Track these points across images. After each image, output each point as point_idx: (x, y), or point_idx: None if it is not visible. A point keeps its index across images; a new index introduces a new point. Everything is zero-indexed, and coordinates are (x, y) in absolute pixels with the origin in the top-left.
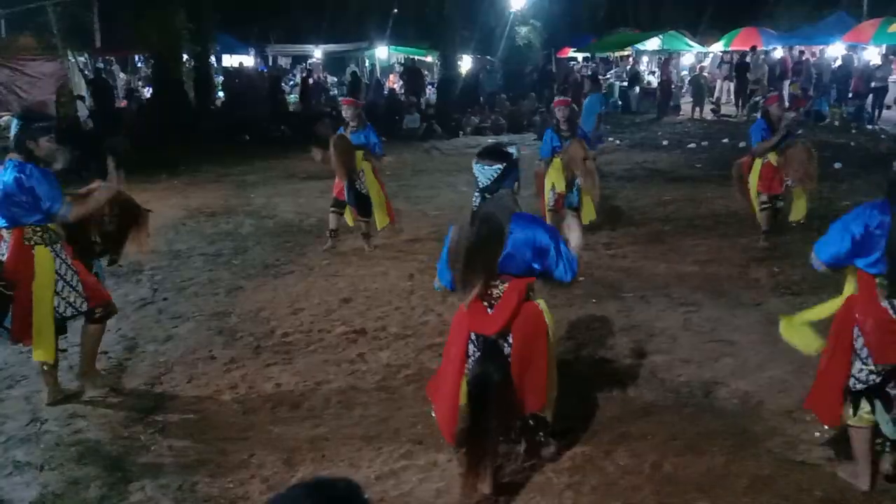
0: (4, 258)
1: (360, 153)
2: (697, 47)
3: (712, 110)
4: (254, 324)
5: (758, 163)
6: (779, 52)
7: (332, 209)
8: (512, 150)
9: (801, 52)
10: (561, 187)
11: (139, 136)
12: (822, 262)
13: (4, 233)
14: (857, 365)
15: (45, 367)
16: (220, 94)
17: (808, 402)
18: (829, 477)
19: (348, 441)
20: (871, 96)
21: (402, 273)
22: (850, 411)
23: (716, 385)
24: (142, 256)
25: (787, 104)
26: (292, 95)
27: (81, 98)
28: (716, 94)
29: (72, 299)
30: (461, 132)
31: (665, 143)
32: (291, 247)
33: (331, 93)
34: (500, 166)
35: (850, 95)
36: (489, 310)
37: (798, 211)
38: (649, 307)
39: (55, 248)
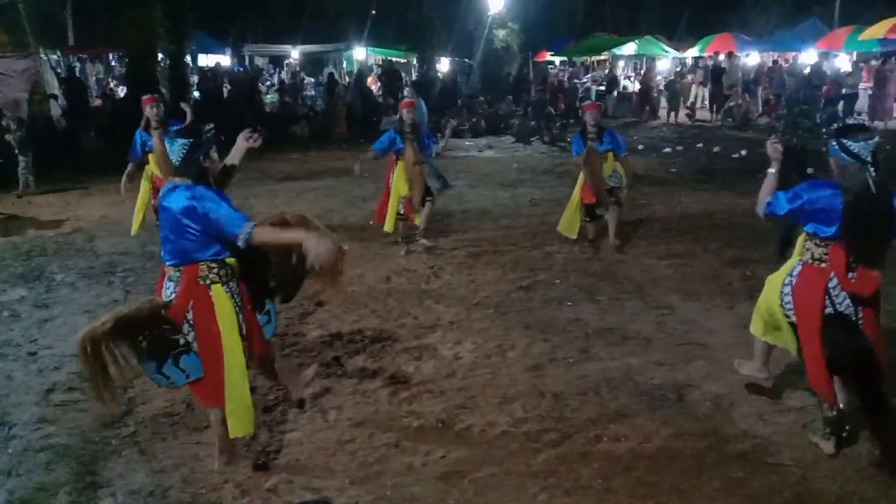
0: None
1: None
2: (673, 52)
3: (687, 115)
4: None
5: (581, 175)
6: (754, 58)
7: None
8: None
9: (776, 60)
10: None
11: (113, 135)
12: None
13: (172, 271)
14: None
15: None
16: (196, 94)
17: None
18: (799, 478)
19: (323, 445)
20: (842, 102)
21: (378, 276)
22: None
23: (689, 387)
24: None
25: (760, 109)
26: (269, 95)
27: (54, 97)
28: (691, 100)
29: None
30: (439, 134)
31: (641, 147)
32: None
33: (307, 93)
34: (877, 138)
35: (822, 102)
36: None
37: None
38: (624, 310)
39: (231, 288)
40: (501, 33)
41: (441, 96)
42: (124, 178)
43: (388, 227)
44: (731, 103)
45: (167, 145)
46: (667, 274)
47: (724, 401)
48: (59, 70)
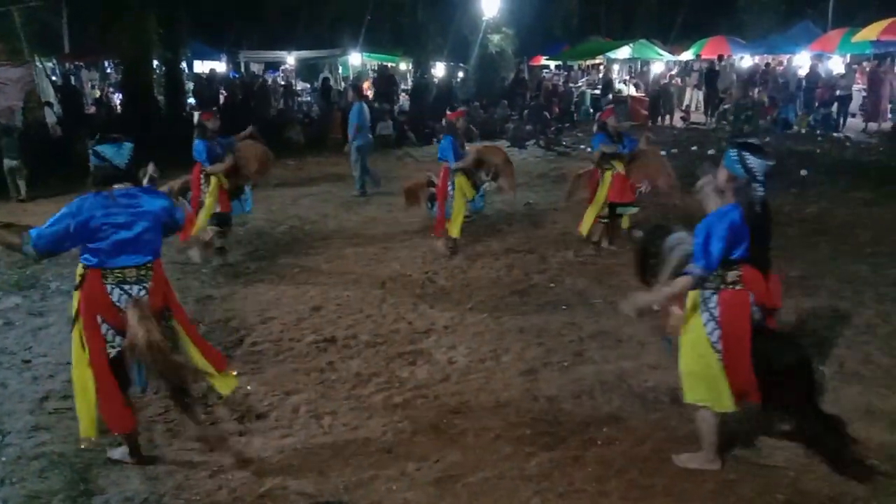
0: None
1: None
2: (667, 56)
3: (682, 118)
4: (223, 333)
5: (607, 174)
6: (748, 61)
7: (218, 227)
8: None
9: (768, 64)
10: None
11: None
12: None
13: (134, 271)
14: None
15: None
16: (191, 100)
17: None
18: (791, 480)
19: (317, 451)
20: (836, 104)
21: (373, 281)
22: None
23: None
24: None
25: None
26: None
27: (49, 104)
28: (685, 103)
29: None
30: (434, 139)
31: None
32: (262, 254)
33: (300, 98)
34: (773, 161)
35: (817, 104)
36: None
37: (626, 221)
38: (618, 313)
39: None
40: (496, 38)
41: (436, 101)
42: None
43: (455, 232)
44: (726, 106)
45: (112, 151)
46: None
47: None
48: (53, 78)
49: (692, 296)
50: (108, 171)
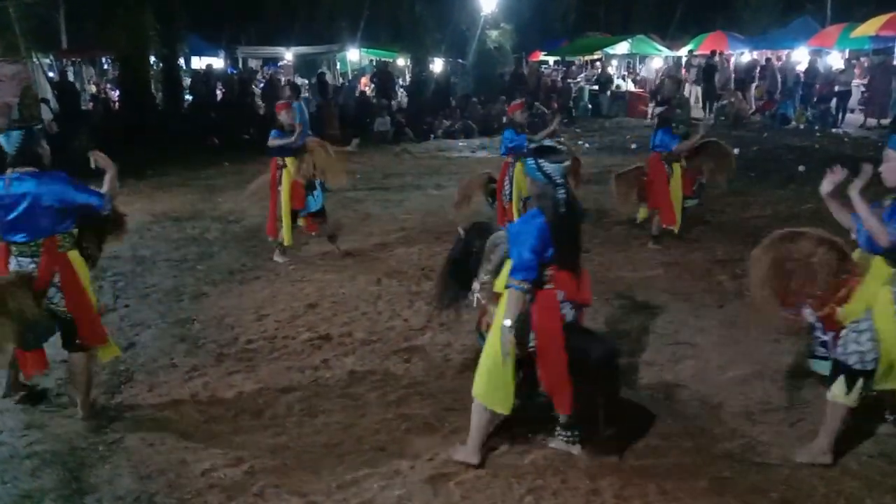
0: (35, 273)
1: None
2: (666, 51)
3: None
4: (217, 331)
5: (677, 168)
6: (747, 57)
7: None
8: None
9: (768, 58)
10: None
11: (105, 139)
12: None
13: (24, 248)
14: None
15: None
16: (189, 96)
17: None
18: (786, 477)
19: (310, 449)
20: (834, 100)
21: (369, 278)
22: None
23: (677, 387)
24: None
25: (752, 107)
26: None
27: (46, 101)
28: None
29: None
30: (432, 135)
31: (634, 146)
32: (258, 252)
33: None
34: (568, 159)
35: (815, 99)
36: (580, 283)
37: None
38: (613, 310)
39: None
40: (494, 34)
41: (434, 97)
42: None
43: None
44: (724, 102)
45: (3, 140)
46: (657, 273)
47: (712, 400)
48: (51, 74)
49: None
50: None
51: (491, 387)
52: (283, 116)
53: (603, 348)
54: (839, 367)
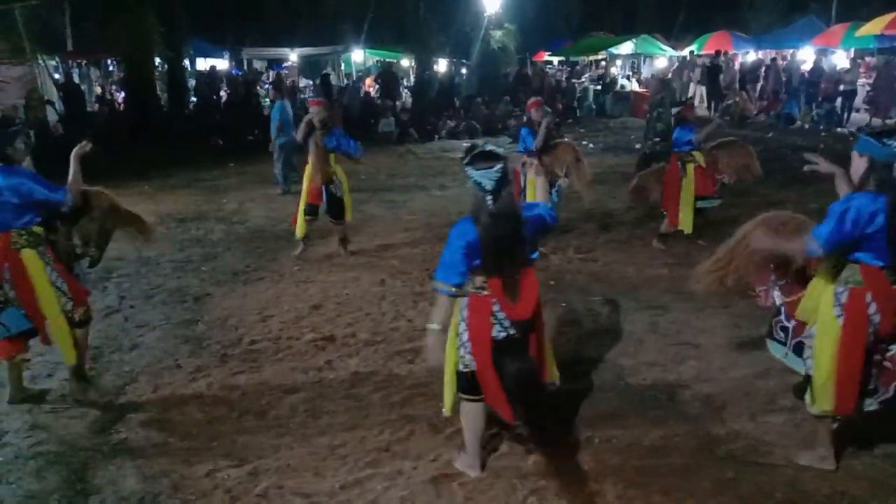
0: None
1: (332, 156)
2: (670, 51)
3: None
4: (221, 331)
5: (689, 168)
6: (752, 56)
7: (307, 216)
8: (500, 150)
9: (773, 58)
10: None
11: (110, 140)
12: (822, 248)
13: None
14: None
15: (13, 364)
16: (194, 98)
17: (837, 405)
18: (790, 479)
19: (314, 450)
20: (840, 99)
21: (373, 278)
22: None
23: (680, 388)
24: (147, 245)
25: (755, 108)
26: (266, 100)
27: (51, 103)
28: (689, 97)
29: (61, 301)
30: (436, 136)
31: (638, 146)
32: (262, 253)
33: (303, 96)
34: (500, 166)
35: (820, 99)
36: (514, 297)
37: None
38: (617, 311)
39: (40, 251)
40: (498, 34)
41: (439, 98)
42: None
43: None
44: (729, 101)
45: None
46: (661, 273)
47: (716, 401)
48: (56, 76)
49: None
50: None
51: (445, 388)
52: (314, 112)
53: (519, 368)
54: (806, 377)
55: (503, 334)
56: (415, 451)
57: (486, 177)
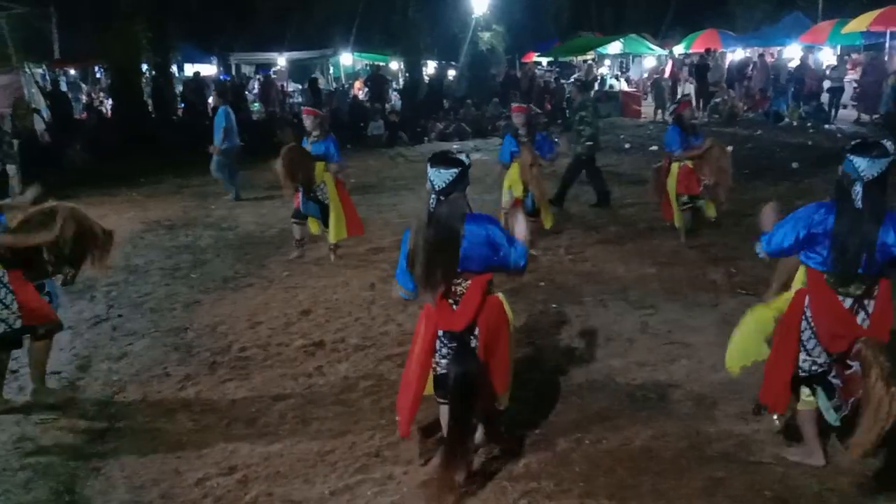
0: None
1: (320, 164)
2: (658, 50)
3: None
4: (211, 339)
5: (674, 166)
6: (739, 54)
7: (294, 220)
8: (463, 156)
9: (761, 55)
10: (518, 192)
11: (98, 148)
12: (766, 251)
13: None
14: (802, 356)
15: None
16: (182, 104)
17: (761, 395)
18: (779, 476)
19: (303, 457)
20: (828, 96)
21: (363, 283)
22: (794, 398)
23: (671, 388)
24: (102, 274)
25: (744, 105)
26: (255, 104)
27: (38, 111)
28: (678, 97)
29: (3, 316)
30: (426, 138)
31: (627, 146)
32: (252, 259)
33: (292, 100)
34: (455, 170)
35: (806, 95)
36: (454, 307)
37: (711, 209)
38: (607, 311)
39: None
40: (486, 36)
41: (428, 100)
42: None
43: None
44: (717, 99)
45: None
46: (651, 273)
47: (706, 400)
48: (42, 84)
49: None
50: None
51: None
52: (306, 121)
53: (455, 371)
54: None
55: (444, 348)
56: (405, 456)
57: (439, 176)
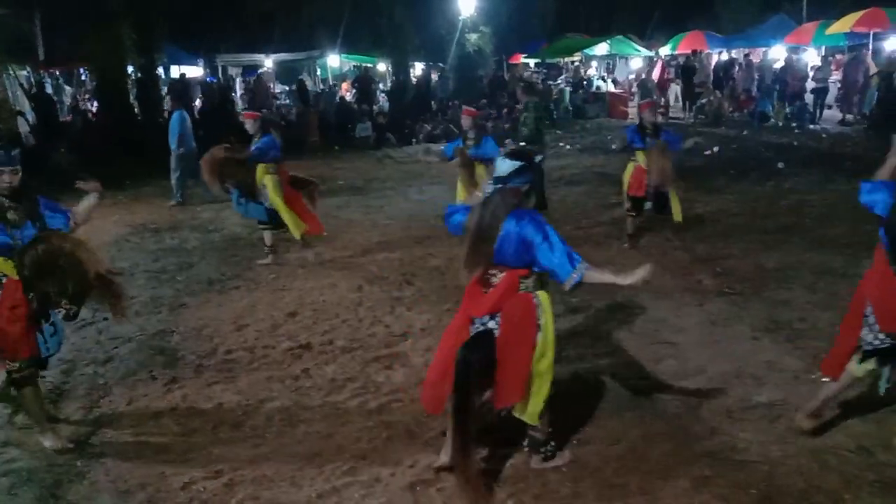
0: None
1: (262, 167)
2: (645, 51)
3: (661, 113)
4: (196, 342)
5: (630, 165)
6: (725, 56)
7: (261, 225)
8: (538, 157)
9: (746, 55)
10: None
11: (84, 151)
12: (861, 200)
13: None
14: (864, 330)
15: None
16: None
17: (824, 360)
18: (766, 475)
19: (290, 460)
20: (812, 96)
21: (350, 285)
22: (855, 363)
23: (658, 387)
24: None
25: (730, 106)
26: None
27: (22, 114)
28: (664, 98)
29: None
30: (414, 140)
31: (614, 146)
32: (238, 261)
33: (279, 101)
34: (518, 163)
35: (789, 95)
36: (484, 293)
37: (676, 212)
38: (595, 311)
39: None
40: (473, 37)
41: (415, 101)
42: None
43: None
44: (703, 100)
45: None
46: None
47: (693, 399)
48: (27, 86)
49: None
50: None
51: None
52: (248, 125)
53: (460, 354)
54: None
55: (479, 327)
56: (392, 457)
57: (502, 164)
